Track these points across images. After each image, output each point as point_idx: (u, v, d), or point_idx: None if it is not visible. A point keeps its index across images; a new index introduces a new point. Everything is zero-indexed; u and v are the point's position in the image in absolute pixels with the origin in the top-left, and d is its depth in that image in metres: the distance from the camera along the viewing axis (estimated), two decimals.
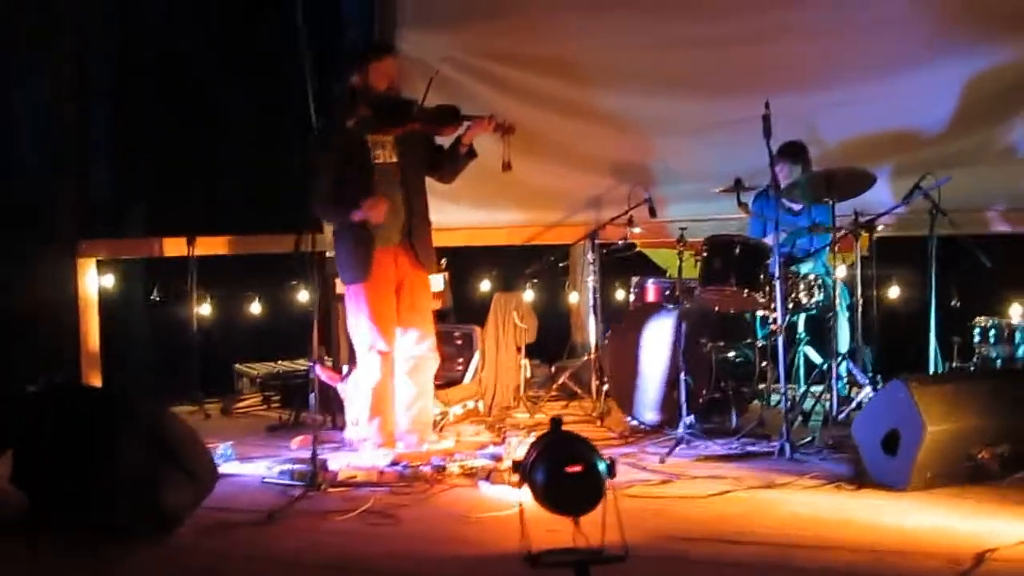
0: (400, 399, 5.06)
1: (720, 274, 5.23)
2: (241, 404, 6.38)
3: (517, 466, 3.34)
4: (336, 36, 7.30)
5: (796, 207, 5.83)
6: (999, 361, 5.84)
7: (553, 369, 6.63)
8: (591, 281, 5.95)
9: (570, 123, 7.02)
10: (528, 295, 7.03)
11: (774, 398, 5.53)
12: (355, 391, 5.16)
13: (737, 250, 5.19)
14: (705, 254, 5.29)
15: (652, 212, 6.03)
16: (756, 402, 5.70)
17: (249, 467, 4.81)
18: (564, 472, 3.20)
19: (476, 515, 3.96)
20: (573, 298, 7.19)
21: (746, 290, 5.12)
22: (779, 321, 4.78)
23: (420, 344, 5.02)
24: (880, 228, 5.41)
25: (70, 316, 6.18)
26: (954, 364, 6.02)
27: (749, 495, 4.13)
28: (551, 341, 6.96)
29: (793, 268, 5.65)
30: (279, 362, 6.88)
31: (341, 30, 7.52)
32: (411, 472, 4.58)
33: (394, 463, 4.72)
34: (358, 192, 4.72)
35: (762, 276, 5.27)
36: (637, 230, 5.95)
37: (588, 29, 6.91)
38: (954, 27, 6.19)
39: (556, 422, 3.44)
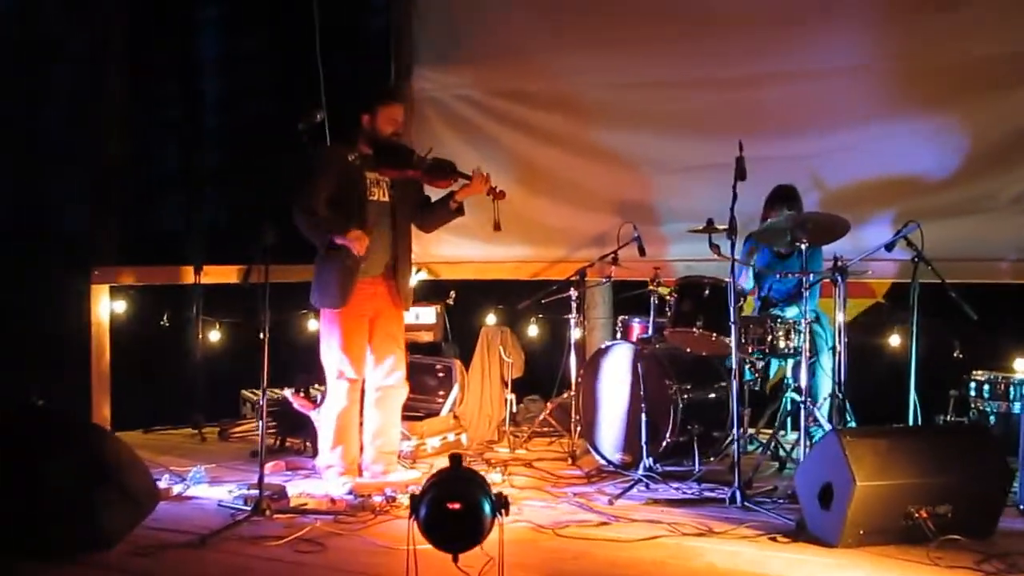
0: (367, 429, 5.16)
1: (688, 316, 5.20)
2: (238, 429, 6.55)
3: (412, 500, 3.40)
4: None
5: (785, 252, 5.75)
6: (993, 417, 5.66)
7: (549, 405, 6.64)
8: (572, 319, 5.95)
9: (577, 160, 7.10)
10: (532, 330, 7.09)
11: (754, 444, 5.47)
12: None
13: (706, 292, 5.16)
14: (675, 295, 5.27)
15: (641, 251, 6.02)
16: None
17: (213, 490, 4.96)
18: (445, 508, 3.25)
19: (401, 547, 3.99)
20: (577, 334, 7.19)
21: (714, 333, 5.08)
22: (732, 365, 4.72)
23: (390, 376, 5.12)
24: (869, 272, 5.31)
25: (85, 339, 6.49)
26: (948, 417, 5.84)
27: (676, 542, 4.08)
28: (553, 376, 6.97)
29: (775, 312, 5.60)
30: (284, 389, 7.04)
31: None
32: (360, 502, 4.66)
33: (350, 492, 4.81)
34: (349, 221, 4.86)
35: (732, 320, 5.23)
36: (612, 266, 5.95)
37: (595, 68, 6.99)
38: (961, 72, 6.07)
39: (455, 459, 3.50)
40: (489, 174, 5.16)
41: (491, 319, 7.07)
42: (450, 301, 7.30)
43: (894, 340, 6.37)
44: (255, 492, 4.61)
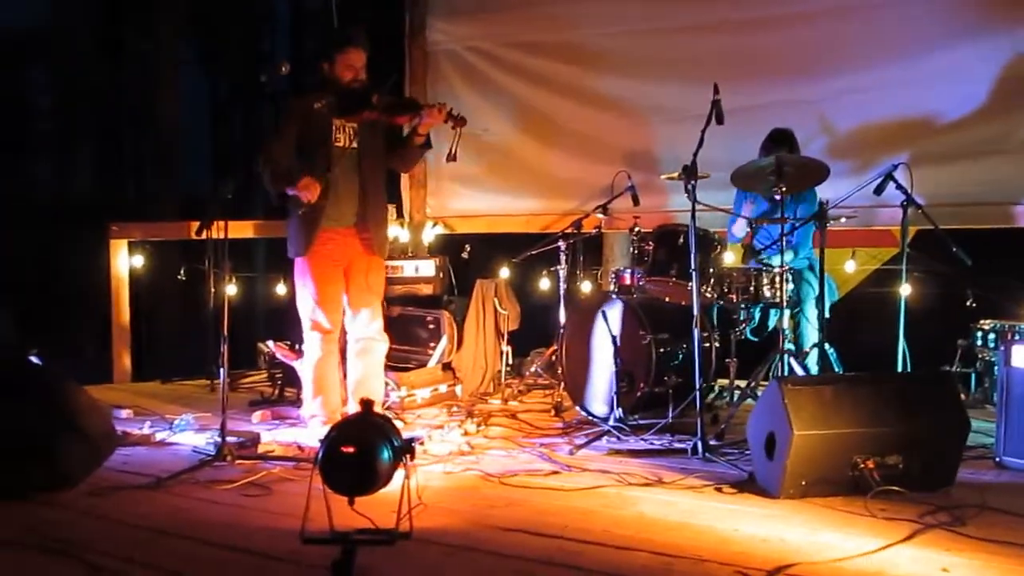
0: (349, 380, 5.21)
1: (664, 265, 5.09)
2: (246, 380, 6.70)
3: (320, 443, 3.43)
4: None
5: (777, 197, 5.55)
6: (998, 366, 5.39)
7: (553, 358, 6.61)
8: (561, 271, 5.88)
9: (586, 111, 7.04)
10: (544, 283, 7.05)
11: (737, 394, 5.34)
12: None
13: (680, 240, 5.04)
14: (652, 244, 5.16)
15: (635, 200, 5.91)
16: (722, 400, 5.53)
17: (197, 437, 5.10)
18: (339, 452, 3.27)
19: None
20: (587, 287, 7.11)
21: (688, 282, 4.96)
22: (694, 312, 4.59)
23: (369, 326, 5.13)
24: (842, 221, 5.10)
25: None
26: (955, 368, 5.61)
27: (616, 492, 4.02)
28: None
29: (762, 259, 5.43)
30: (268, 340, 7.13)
31: None
32: None
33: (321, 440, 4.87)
34: (314, 169, 4.88)
35: (711, 268, 5.11)
36: (601, 215, 5.84)
37: (605, 15, 6.89)
38: (973, 8, 5.76)
39: (366, 404, 3.50)
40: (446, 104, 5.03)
41: (504, 273, 7.04)
42: (464, 255, 7.31)
43: (907, 290, 6.10)
44: (232, 439, 4.73)
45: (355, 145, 5.00)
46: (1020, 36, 5.66)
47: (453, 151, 4.97)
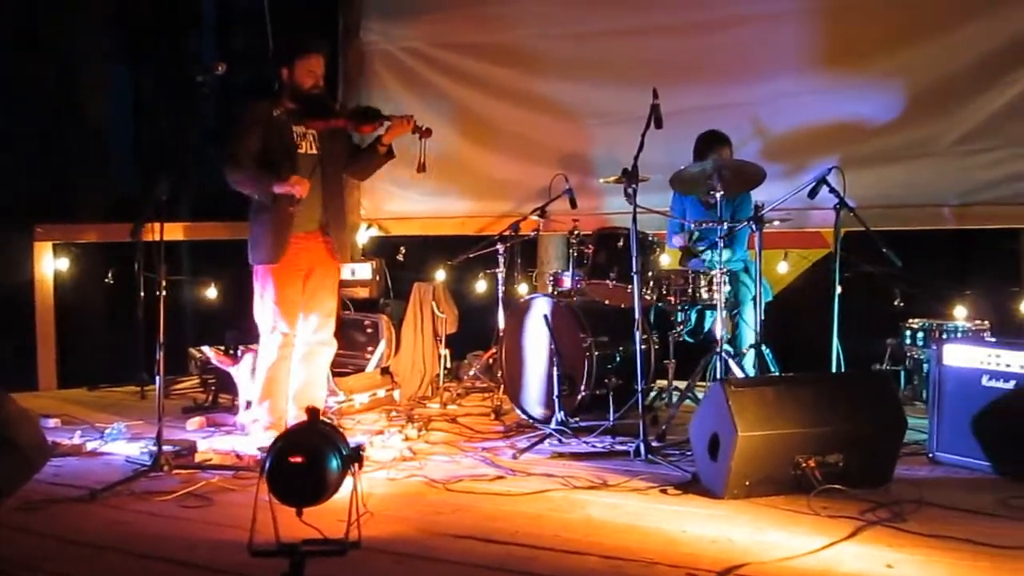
0: (291, 386, 5.13)
1: (603, 268, 5.11)
2: (179, 386, 6.55)
3: (266, 453, 3.36)
4: None
5: (711, 200, 5.62)
6: (927, 365, 5.54)
7: (491, 361, 6.59)
8: (499, 273, 5.87)
9: (522, 113, 7.02)
10: (481, 285, 7.03)
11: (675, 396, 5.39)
12: (247, 375, 5.26)
13: (620, 243, 5.06)
14: (591, 247, 5.18)
15: (573, 203, 5.92)
16: (661, 402, 5.58)
17: (130, 447, 4.96)
18: (287, 462, 3.20)
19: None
20: (523, 289, 7.12)
21: (628, 285, 4.99)
22: (636, 316, 4.62)
23: (319, 332, 5.05)
24: (776, 224, 5.18)
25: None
26: (884, 366, 5.75)
27: (563, 495, 4.03)
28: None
29: (701, 260, 5.48)
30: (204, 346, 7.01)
31: None
32: (264, 457, 4.62)
33: (261, 449, 4.79)
34: (282, 172, 4.80)
35: (650, 271, 5.15)
36: (538, 218, 5.87)
37: (539, 18, 6.89)
38: (902, 15, 5.91)
39: (313, 412, 3.44)
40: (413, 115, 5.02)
41: (440, 275, 7.00)
42: (400, 257, 7.26)
43: (840, 290, 6.22)
44: (168, 448, 4.61)
45: (315, 151, 4.94)
46: (944, 42, 5.79)
47: (422, 161, 5.00)
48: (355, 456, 3.32)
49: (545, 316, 5.20)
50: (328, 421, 3.50)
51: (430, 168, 6.99)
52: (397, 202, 7.37)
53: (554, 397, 4.97)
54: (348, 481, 3.30)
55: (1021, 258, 6.54)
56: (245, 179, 4.78)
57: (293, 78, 4.87)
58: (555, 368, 4.95)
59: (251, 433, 5.05)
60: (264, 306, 4.95)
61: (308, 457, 3.21)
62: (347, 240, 5.19)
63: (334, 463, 3.23)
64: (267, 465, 3.23)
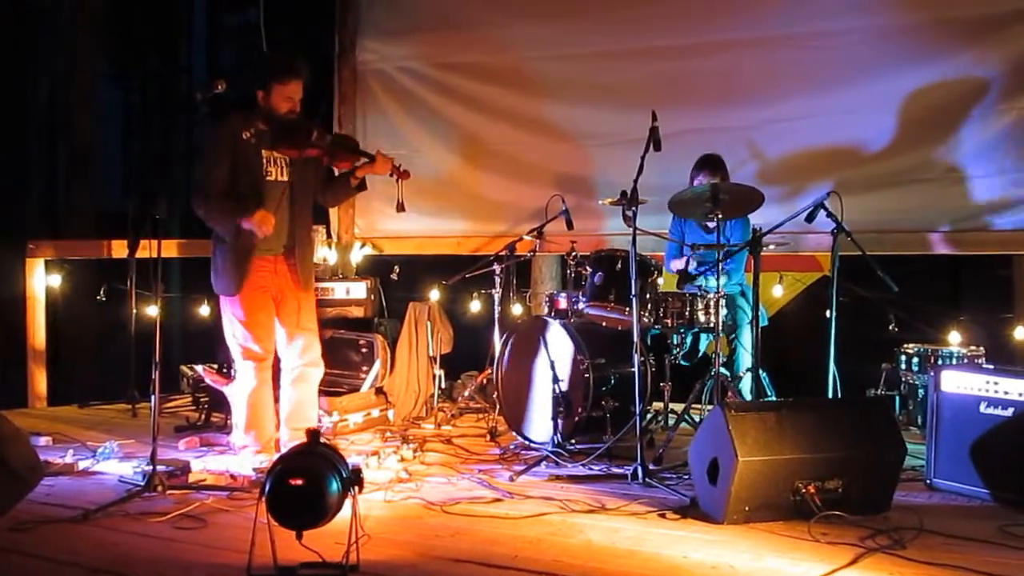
0: (282, 408, 5.08)
1: (602, 290, 5.11)
2: (170, 404, 6.50)
3: (266, 476, 3.33)
4: None
5: (711, 224, 5.63)
6: (922, 390, 5.56)
7: (485, 381, 6.57)
8: (496, 294, 5.85)
9: (518, 133, 7.04)
10: (475, 305, 7.02)
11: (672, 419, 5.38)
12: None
13: (619, 265, 5.06)
14: (589, 268, 5.18)
15: (569, 224, 5.91)
16: (657, 424, 5.57)
17: (122, 466, 4.91)
18: (286, 484, 3.18)
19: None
20: (517, 310, 7.11)
21: (626, 307, 4.99)
22: (635, 338, 4.62)
23: (304, 356, 5.02)
24: (771, 248, 5.19)
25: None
26: (879, 391, 5.75)
27: (562, 519, 4.00)
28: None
29: (697, 285, 5.48)
30: (197, 364, 6.95)
31: None
32: (259, 478, 4.60)
33: (254, 469, 4.75)
34: (247, 201, 4.75)
35: (648, 293, 5.15)
36: (534, 239, 5.84)
37: (536, 39, 6.91)
38: (897, 41, 5.96)
39: (314, 434, 3.43)
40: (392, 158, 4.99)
41: (435, 295, 6.98)
42: (394, 276, 7.24)
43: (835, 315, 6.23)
44: (162, 468, 4.56)
45: (286, 178, 4.89)
46: (939, 69, 5.84)
47: (400, 201, 4.96)
48: (355, 479, 3.30)
49: (543, 337, 5.19)
50: (327, 442, 3.46)
51: (426, 188, 7.07)
52: (392, 221, 7.35)
53: (550, 419, 4.94)
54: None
55: (1015, 284, 6.58)
56: (211, 214, 4.75)
57: (269, 102, 4.80)
58: (552, 389, 4.92)
59: (241, 457, 5.00)
60: (234, 331, 4.90)
61: (308, 479, 3.19)
62: (311, 268, 5.08)
63: (334, 486, 3.22)
64: (266, 487, 3.21)
